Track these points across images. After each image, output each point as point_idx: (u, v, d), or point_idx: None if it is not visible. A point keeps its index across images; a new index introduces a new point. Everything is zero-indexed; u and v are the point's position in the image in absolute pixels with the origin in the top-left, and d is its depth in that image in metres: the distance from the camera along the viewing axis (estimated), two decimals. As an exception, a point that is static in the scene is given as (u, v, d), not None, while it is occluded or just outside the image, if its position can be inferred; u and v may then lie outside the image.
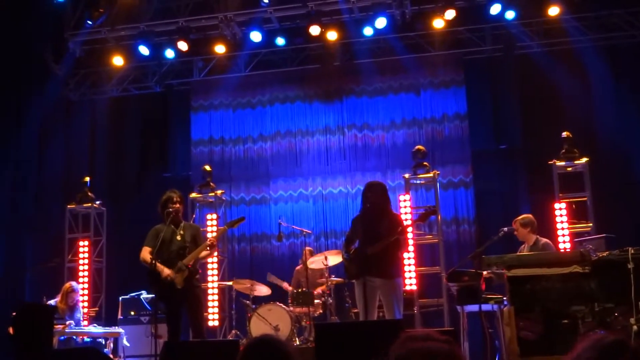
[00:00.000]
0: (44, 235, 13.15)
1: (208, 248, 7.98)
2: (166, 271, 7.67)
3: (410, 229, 10.55)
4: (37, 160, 13.66)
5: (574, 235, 10.38)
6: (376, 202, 7.57)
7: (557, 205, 10.60)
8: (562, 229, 10.42)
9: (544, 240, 8.76)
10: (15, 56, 12.58)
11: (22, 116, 13.21)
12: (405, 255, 10.86)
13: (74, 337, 9.68)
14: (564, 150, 10.92)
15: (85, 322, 10.69)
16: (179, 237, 7.91)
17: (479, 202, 12.33)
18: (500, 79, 12.72)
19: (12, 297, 12.40)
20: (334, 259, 10.27)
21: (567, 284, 6.99)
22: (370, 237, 7.37)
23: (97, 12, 12.53)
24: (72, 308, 10.02)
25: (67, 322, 9.63)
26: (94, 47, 13.27)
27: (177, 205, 8.04)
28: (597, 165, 11.00)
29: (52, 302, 10.11)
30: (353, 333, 6.14)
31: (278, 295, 10.69)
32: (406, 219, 11.02)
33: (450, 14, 11.76)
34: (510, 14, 11.81)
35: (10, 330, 8.52)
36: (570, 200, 10.84)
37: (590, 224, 10.61)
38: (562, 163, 10.93)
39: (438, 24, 11.99)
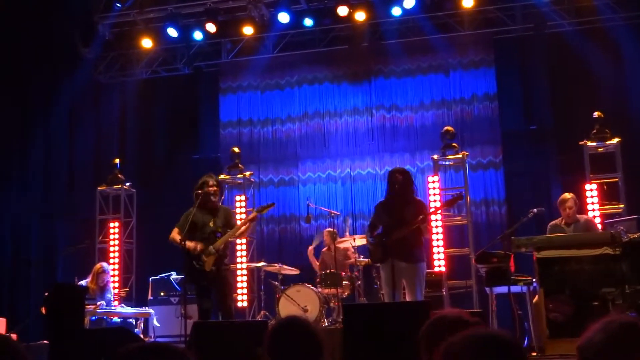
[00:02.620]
0: (75, 217, 13.32)
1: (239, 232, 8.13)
2: (192, 245, 7.78)
3: (438, 213, 10.59)
4: (68, 143, 13.82)
5: (605, 217, 10.27)
6: (401, 188, 7.67)
7: (588, 187, 10.49)
8: (593, 210, 10.30)
9: (585, 216, 8.74)
10: (45, 40, 12.70)
11: (52, 100, 13.35)
12: (434, 237, 10.87)
13: (105, 317, 9.80)
14: (595, 131, 10.79)
15: (116, 303, 10.80)
16: (211, 223, 7.99)
17: (509, 183, 12.23)
18: (530, 59, 12.57)
19: (45, 278, 12.59)
20: (362, 241, 10.28)
21: (597, 266, 6.95)
22: (396, 223, 7.50)
23: (125, -6, 12.59)
24: (103, 289, 10.13)
25: (98, 303, 9.74)
26: (123, 29, 13.33)
27: (213, 188, 8.07)
28: (629, 145, 10.85)
29: (83, 282, 10.23)
30: (381, 314, 6.15)
31: (307, 276, 10.72)
32: (435, 200, 11.00)
33: (480, -8, 11.63)
34: (540, -8, 11.65)
35: (43, 310, 8.65)
36: (602, 181, 10.72)
37: (622, 205, 10.49)
38: (593, 144, 10.80)
39: (467, 3, 11.87)
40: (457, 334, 1.89)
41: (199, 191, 8.04)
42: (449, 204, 8.40)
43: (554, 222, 8.60)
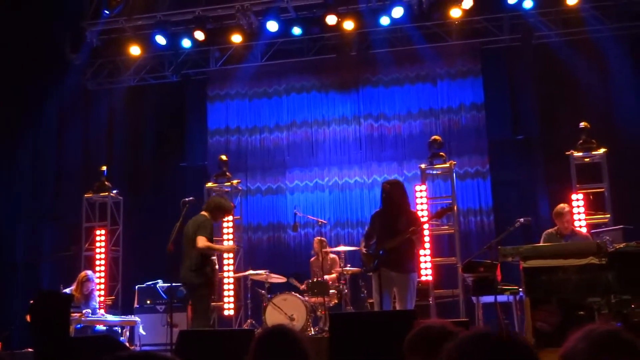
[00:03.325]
0: (61, 224, 13.26)
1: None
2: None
3: (425, 218, 10.62)
4: (56, 149, 13.77)
5: (591, 227, 10.30)
6: (395, 200, 7.80)
7: (574, 196, 10.52)
8: (580, 220, 10.34)
9: (585, 233, 8.82)
10: (34, 47, 12.65)
11: (40, 106, 13.30)
12: (421, 245, 10.88)
13: (91, 325, 9.75)
14: (581, 141, 10.83)
15: (102, 311, 10.76)
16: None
17: (496, 192, 12.28)
18: (517, 69, 12.64)
19: (31, 285, 12.52)
20: (348, 249, 10.30)
21: (583, 276, 6.95)
22: (388, 233, 7.61)
23: (114, 1, 12.56)
24: (88, 297, 10.08)
25: (83, 311, 9.69)
26: (111, 36, 13.31)
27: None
28: (615, 156, 10.90)
29: (67, 290, 10.18)
30: (368, 323, 6.15)
31: (293, 285, 10.70)
32: (422, 209, 11.01)
33: (468, 3, 11.67)
34: (528, 3, 11.69)
35: (28, 317, 8.60)
36: (588, 191, 10.76)
37: (608, 215, 10.52)
38: (580, 154, 10.84)
39: (455, 13, 11.92)
40: (442, 344, 1.89)
41: (185, 199, 8.06)
42: (438, 215, 8.45)
43: (549, 230, 8.64)
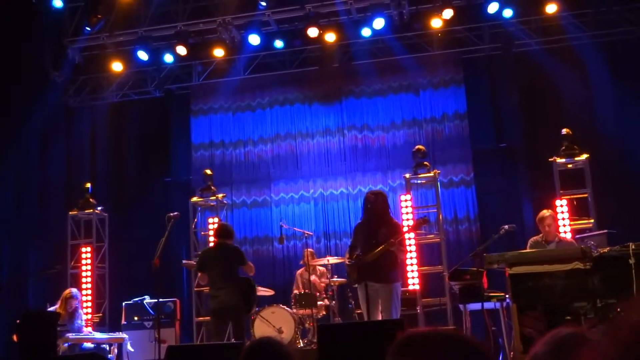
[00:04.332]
0: (46, 241, 13.17)
1: None
2: None
3: (410, 234, 10.66)
4: (39, 167, 13.68)
5: (575, 232, 10.37)
6: (376, 210, 7.82)
7: (558, 202, 10.60)
8: (564, 225, 10.40)
9: (570, 240, 8.85)
10: (15, 64, 12.60)
11: (22, 124, 13.22)
12: (408, 255, 10.91)
13: (79, 343, 9.69)
14: (563, 147, 10.92)
15: (90, 329, 10.69)
16: None
17: (480, 200, 12.34)
18: (499, 78, 12.73)
19: (16, 304, 12.42)
20: (335, 261, 10.31)
21: (569, 281, 6.98)
22: (370, 245, 7.62)
23: (95, 18, 12.50)
24: (72, 315, 10.01)
25: (68, 335, 9.61)
26: (93, 53, 13.30)
27: None
28: (598, 161, 11.00)
29: (52, 308, 10.10)
30: (355, 333, 6.15)
31: (281, 297, 10.70)
32: (408, 219, 11.04)
33: (448, 13, 11.75)
34: (507, 12, 11.80)
35: (15, 337, 8.54)
36: (571, 196, 10.85)
37: (592, 220, 10.60)
38: (562, 160, 10.93)
39: (436, 23, 12.00)
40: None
41: (170, 214, 8.08)
42: (414, 228, 8.53)
43: (534, 238, 8.68)
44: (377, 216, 7.82)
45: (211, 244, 10.10)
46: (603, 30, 12.09)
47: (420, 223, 8.26)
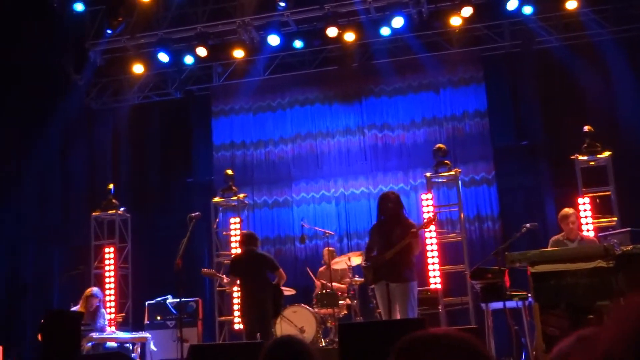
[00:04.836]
0: (70, 242, 13.30)
1: None
2: None
3: (432, 227, 10.66)
4: (61, 169, 13.82)
5: (598, 230, 10.29)
6: (390, 212, 7.94)
7: (580, 200, 10.53)
8: (587, 223, 10.34)
9: (593, 238, 8.80)
10: (37, 67, 12.73)
11: (45, 126, 13.35)
12: (429, 254, 10.91)
13: (102, 342, 9.77)
14: (585, 145, 10.84)
15: (113, 328, 10.78)
16: None
17: (502, 199, 12.28)
18: (519, 75, 12.67)
19: (42, 304, 12.55)
20: (357, 259, 10.31)
21: (592, 279, 6.94)
22: (385, 245, 7.73)
23: (116, 21, 12.61)
24: (93, 314, 10.08)
25: (90, 329, 9.70)
26: (114, 55, 13.40)
27: None
28: (620, 158, 10.91)
29: (74, 308, 10.19)
30: (376, 332, 6.15)
31: (303, 297, 10.72)
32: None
33: (467, 11, 11.72)
34: (527, 9, 11.75)
35: (39, 337, 8.62)
36: (594, 194, 10.76)
37: (615, 218, 10.52)
38: (585, 157, 10.85)
39: (455, 21, 11.97)
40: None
41: (192, 215, 8.15)
42: (424, 226, 8.57)
43: (555, 237, 8.63)
44: (392, 217, 7.90)
45: (238, 251, 10.22)
46: (624, 26, 11.99)
47: (430, 222, 8.36)
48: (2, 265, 13.04)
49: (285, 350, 2.97)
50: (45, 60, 12.86)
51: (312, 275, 11.02)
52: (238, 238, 11.75)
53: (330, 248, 10.99)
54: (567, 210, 8.65)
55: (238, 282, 9.01)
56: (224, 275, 10.15)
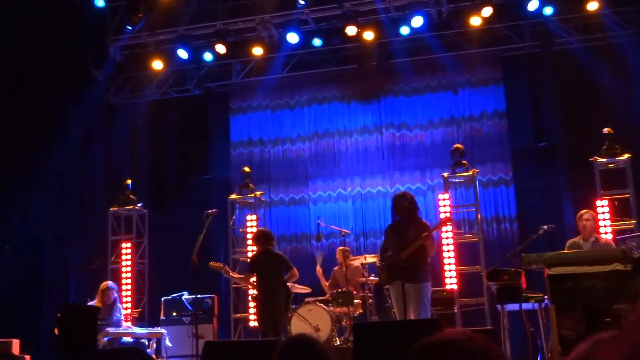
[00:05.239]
0: (87, 237, 13.37)
1: None
2: None
3: (449, 227, 10.65)
4: (80, 164, 13.90)
5: (616, 233, 10.23)
6: (405, 212, 7.98)
7: (599, 203, 10.46)
8: (605, 226, 10.27)
9: (608, 240, 8.74)
10: (57, 63, 12.81)
11: (64, 121, 13.44)
12: (445, 254, 10.89)
13: (118, 337, 9.83)
14: (605, 147, 10.77)
15: (129, 323, 10.83)
16: None
17: (520, 200, 12.22)
18: (539, 76, 12.61)
19: (59, 299, 12.64)
20: (373, 259, 10.30)
21: (609, 282, 6.90)
22: (400, 246, 7.77)
23: (136, 17, 12.64)
24: (110, 308, 10.14)
25: (106, 323, 9.76)
26: (134, 51, 13.46)
27: None
28: (639, 161, 10.83)
29: (91, 303, 10.25)
30: (391, 332, 6.15)
31: (318, 295, 10.72)
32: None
33: (487, 11, 11.67)
34: (548, 10, 11.69)
35: (56, 330, 8.68)
36: (613, 197, 10.69)
37: (633, 221, 10.44)
38: (604, 160, 10.78)
39: (475, 21, 11.93)
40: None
41: (208, 211, 8.20)
42: (437, 227, 8.58)
43: (572, 240, 8.60)
44: (406, 218, 7.94)
45: (253, 249, 10.28)
46: (645, 28, 11.90)
47: (442, 223, 8.38)
48: (20, 260, 13.14)
49: (299, 349, 2.98)
50: (66, 56, 12.93)
51: (322, 280, 11.02)
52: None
53: (343, 248, 10.98)
54: (583, 211, 8.64)
55: (253, 279, 9.03)
56: (232, 271, 10.20)
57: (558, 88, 12.30)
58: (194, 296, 10.10)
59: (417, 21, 11.94)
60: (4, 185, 13.01)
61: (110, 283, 10.55)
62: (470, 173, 11.34)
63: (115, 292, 10.44)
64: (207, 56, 12.99)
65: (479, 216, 11.41)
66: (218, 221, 11.02)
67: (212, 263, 10.17)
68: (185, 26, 12.83)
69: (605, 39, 12.00)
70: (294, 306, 10.10)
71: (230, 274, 9.78)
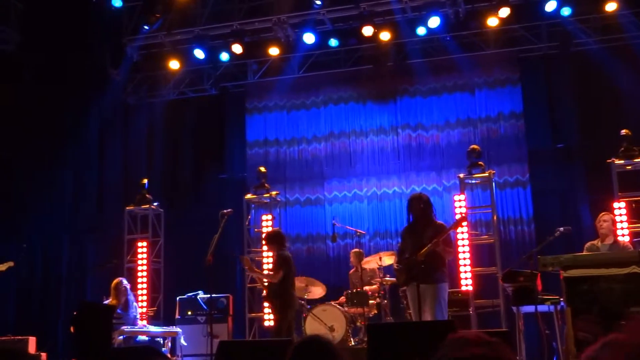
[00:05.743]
0: (104, 236, 13.44)
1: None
2: None
3: (465, 229, 10.62)
4: (97, 163, 13.97)
5: (633, 235, 10.16)
6: (420, 213, 7.93)
7: (616, 205, 10.38)
8: (622, 228, 10.19)
9: (627, 242, 8.69)
10: (75, 62, 12.89)
11: (82, 121, 13.53)
12: (461, 255, 10.84)
13: (133, 335, 9.87)
14: (622, 149, 10.69)
15: (144, 322, 10.87)
16: None
17: (537, 201, 12.16)
18: (556, 77, 12.54)
19: (75, 297, 12.71)
20: (388, 259, 10.29)
21: (625, 285, 6.86)
22: (417, 247, 7.67)
23: (153, 17, 12.69)
24: (125, 304, 10.17)
25: (122, 322, 9.80)
26: (151, 51, 13.52)
27: None
28: (658, 163, 10.75)
29: (107, 301, 10.30)
30: (406, 334, 6.14)
31: (333, 295, 10.72)
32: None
33: (505, 11, 11.62)
34: (566, 11, 11.62)
35: (72, 328, 8.73)
36: (630, 199, 10.61)
37: (651, 224, 10.38)
38: (621, 161, 10.70)
39: (492, 22, 11.88)
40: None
41: (224, 211, 8.21)
42: (453, 227, 8.54)
43: (590, 242, 8.57)
44: (422, 219, 7.89)
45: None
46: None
47: (458, 223, 8.38)
48: (37, 258, 13.23)
49: (312, 349, 2.98)
50: (84, 55, 13.00)
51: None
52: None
53: (356, 250, 10.96)
54: (603, 212, 8.62)
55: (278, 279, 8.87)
56: (256, 269, 10.18)
57: (575, 89, 12.23)
58: (209, 295, 10.12)
59: (434, 22, 11.91)
60: (21, 183, 13.10)
61: (122, 280, 10.58)
62: (487, 174, 11.30)
63: (127, 286, 10.45)
64: (224, 56, 13.02)
65: (495, 217, 11.36)
66: (233, 221, 11.03)
67: (243, 257, 10.20)
68: (202, 26, 12.87)
69: (623, 39, 11.93)
70: (309, 306, 10.12)
71: (255, 270, 9.72)
